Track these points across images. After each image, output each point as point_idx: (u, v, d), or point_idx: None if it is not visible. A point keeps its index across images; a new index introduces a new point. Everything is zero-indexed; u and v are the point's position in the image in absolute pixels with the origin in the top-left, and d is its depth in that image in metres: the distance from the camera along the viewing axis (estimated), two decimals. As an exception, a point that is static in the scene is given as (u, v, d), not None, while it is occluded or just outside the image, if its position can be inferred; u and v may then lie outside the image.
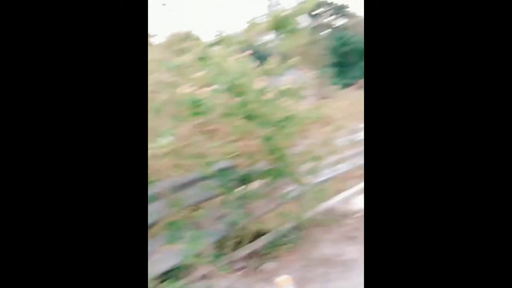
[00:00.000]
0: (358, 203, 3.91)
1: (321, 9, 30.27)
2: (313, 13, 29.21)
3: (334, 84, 17.65)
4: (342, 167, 4.64)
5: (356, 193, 4.26)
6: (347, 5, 31.33)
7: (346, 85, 19.72)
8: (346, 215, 3.65)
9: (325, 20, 31.40)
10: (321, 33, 29.96)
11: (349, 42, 29.21)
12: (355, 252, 2.89)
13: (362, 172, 2.74)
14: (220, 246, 2.78)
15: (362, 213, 2.78)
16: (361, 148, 4.43)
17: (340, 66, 27.52)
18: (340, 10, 31.25)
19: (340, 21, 31.47)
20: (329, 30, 30.72)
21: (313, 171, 3.48)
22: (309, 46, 29.15)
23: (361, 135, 4.68)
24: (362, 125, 2.78)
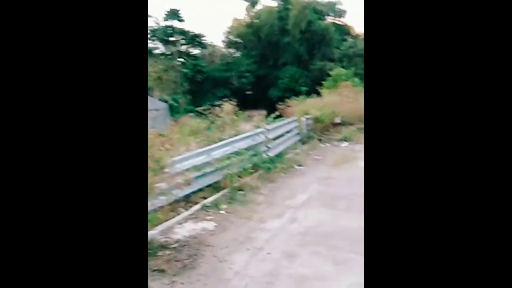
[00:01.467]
0: (179, 232, 3.96)
1: (176, 37, 33.53)
2: (168, 40, 33.01)
3: (187, 111, 20.79)
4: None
5: (178, 222, 4.20)
6: (203, 34, 34.85)
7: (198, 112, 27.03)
8: (164, 245, 3.64)
9: (181, 48, 34.52)
10: (175, 61, 33.90)
11: (203, 71, 34.30)
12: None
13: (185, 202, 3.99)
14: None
15: (180, 244, 3.61)
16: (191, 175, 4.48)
17: (193, 93, 31.75)
18: (195, 39, 34.91)
19: (195, 50, 35.16)
20: (184, 58, 34.41)
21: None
22: (163, 73, 37.90)
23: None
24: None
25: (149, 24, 34.96)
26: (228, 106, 7.67)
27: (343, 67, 35.77)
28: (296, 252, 3.63)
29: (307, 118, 10.43)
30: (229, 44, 39.03)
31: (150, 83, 36.39)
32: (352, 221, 4.36)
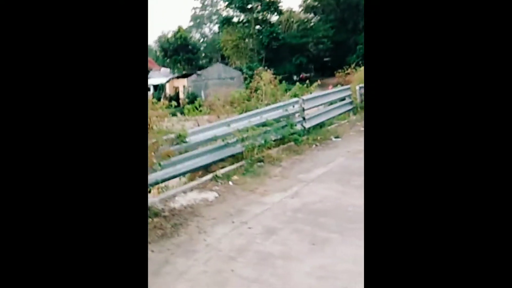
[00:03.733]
0: (178, 201, 3.94)
1: (253, 4, 33.21)
2: (245, 7, 33.07)
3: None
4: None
5: (182, 191, 4.19)
6: (279, 0, 33.82)
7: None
8: (157, 213, 3.66)
9: (258, 15, 34.10)
10: (252, 29, 33.69)
11: (279, 38, 33.51)
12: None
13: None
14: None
15: (172, 212, 3.62)
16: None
17: (269, 61, 31.27)
18: (271, 5, 34.23)
19: (272, 16, 34.68)
20: (260, 25, 33.90)
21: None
22: (240, 41, 37.44)
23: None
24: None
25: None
26: (266, 74, 7.49)
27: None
28: (278, 228, 3.54)
29: (361, 87, 9.80)
30: (307, 9, 37.78)
31: (227, 52, 37.61)
32: (356, 199, 4.09)
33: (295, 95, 7.67)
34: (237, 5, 33.85)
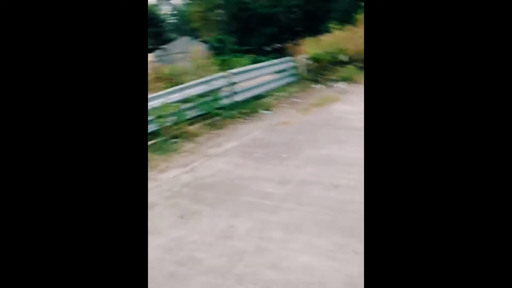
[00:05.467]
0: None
1: None
2: None
3: (235, 50, 18.62)
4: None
5: None
6: None
7: (247, 51, 21.71)
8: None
9: None
10: None
11: (249, 8, 30.24)
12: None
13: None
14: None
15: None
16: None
17: (239, 32, 29.20)
18: None
19: None
20: None
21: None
22: (209, 12, 36.93)
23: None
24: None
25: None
26: (196, 49, 7.41)
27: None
28: (156, 204, 3.62)
29: (306, 58, 9.78)
30: (277, -23, 36.73)
31: (196, 24, 36.53)
32: (248, 171, 4.21)
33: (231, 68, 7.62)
34: (203, -26, 32.64)
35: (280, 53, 9.91)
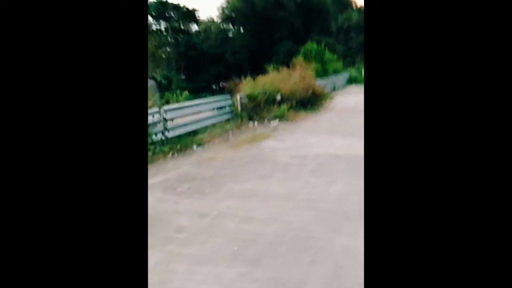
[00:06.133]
0: None
1: (169, 13, 32.58)
2: (161, 16, 32.18)
3: (182, 87, 18.85)
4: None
5: None
6: (196, 9, 34.74)
7: (194, 89, 23.64)
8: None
9: (174, 24, 33.48)
10: (169, 38, 33.04)
11: (197, 47, 33.21)
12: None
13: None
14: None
15: None
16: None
17: (188, 70, 31.10)
18: (189, 14, 33.89)
19: (189, 26, 34.31)
20: (177, 34, 33.38)
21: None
22: (157, 50, 37.29)
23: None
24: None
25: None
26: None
27: (338, 41, 34.96)
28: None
29: (241, 97, 10.12)
30: (224, 19, 38.23)
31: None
32: (171, 205, 4.24)
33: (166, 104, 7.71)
34: (153, 13, 33.13)
35: (226, 91, 10.20)
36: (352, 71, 25.10)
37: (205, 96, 10.07)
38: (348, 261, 2.91)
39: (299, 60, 14.59)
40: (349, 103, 12.86)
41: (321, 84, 14.20)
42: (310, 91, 11.72)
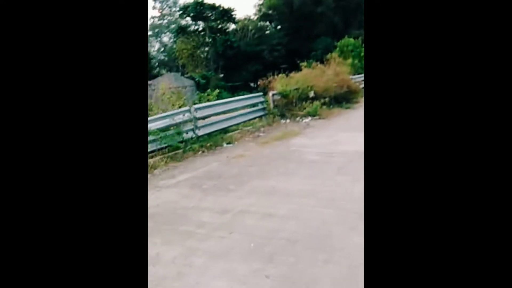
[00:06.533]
0: None
1: (207, 13, 33.20)
2: (199, 16, 32.93)
3: (218, 86, 18.58)
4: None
5: None
6: (233, 8, 33.96)
7: (232, 87, 24.62)
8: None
9: (212, 24, 33.95)
10: (207, 37, 33.61)
11: (234, 46, 33.52)
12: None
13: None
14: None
15: None
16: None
17: (225, 69, 31.61)
18: (225, 14, 34.48)
19: (226, 25, 34.80)
20: (215, 33, 33.84)
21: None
22: (195, 50, 37.92)
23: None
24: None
25: (179, 2, 35.01)
26: (163, 84, 7.69)
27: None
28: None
29: (274, 94, 10.14)
30: (261, 17, 38.22)
31: (183, 61, 37.42)
32: (196, 201, 4.38)
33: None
34: (191, 14, 33.72)
35: (260, 88, 10.26)
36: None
37: (242, 94, 10.18)
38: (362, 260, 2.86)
39: (333, 56, 14.29)
40: (385, 99, 12.39)
41: (357, 80, 13.87)
42: (345, 88, 11.49)
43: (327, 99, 10.40)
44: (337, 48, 17.33)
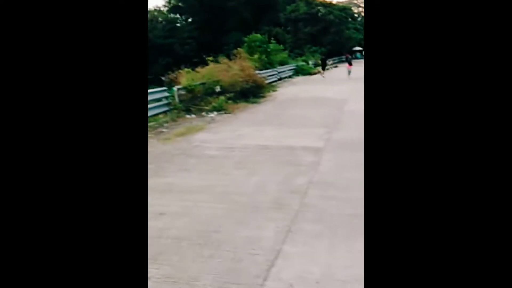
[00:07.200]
0: None
1: None
2: None
3: None
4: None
5: None
6: None
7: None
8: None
9: None
10: None
11: None
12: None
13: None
14: None
15: None
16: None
17: None
18: None
19: None
20: None
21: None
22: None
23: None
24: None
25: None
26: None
27: (288, 32, 35.20)
28: None
29: (179, 88, 9.88)
30: (171, 9, 37.31)
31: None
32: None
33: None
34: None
35: (166, 83, 9.90)
36: (300, 62, 25.36)
37: (152, 88, 9.83)
38: (246, 253, 2.90)
39: (240, 51, 14.45)
40: (291, 93, 13.00)
41: (264, 75, 14.21)
42: (251, 82, 11.68)
43: (233, 94, 10.46)
44: (245, 44, 17.51)
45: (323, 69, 22.20)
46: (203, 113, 9.50)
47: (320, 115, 8.88)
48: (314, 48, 32.77)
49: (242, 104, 10.73)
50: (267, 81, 13.72)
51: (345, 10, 40.68)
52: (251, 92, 11.68)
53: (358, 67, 28.87)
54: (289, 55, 25.27)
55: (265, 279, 2.55)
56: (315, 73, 22.69)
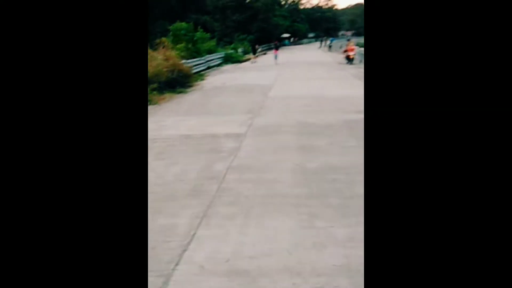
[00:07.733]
0: None
1: None
2: None
3: None
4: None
5: None
6: None
7: None
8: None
9: None
10: None
11: None
12: None
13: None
14: None
15: None
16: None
17: None
18: None
19: None
20: None
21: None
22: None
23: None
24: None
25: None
26: None
27: (216, 20, 34.88)
28: None
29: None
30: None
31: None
32: None
33: None
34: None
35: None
36: (229, 50, 25.35)
37: None
38: (160, 240, 2.98)
39: (164, 40, 14.12)
40: (218, 82, 13.00)
41: (191, 64, 14.04)
42: (176, 72, 11.50)
43: (157, 85, 10.25)
44: (171, 33, 17.12)
45: (254, 53, 24.18)
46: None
47: (245, 102, 9.03)
48: (242, 36, 32.85)
49: (168, 95, 10.56)
50: (195, 70, 13.57)
51: (271, -3, 41.14)
52: (178, 82, 11.52)
53: (285, 53, 29.71)
54: (218, 44, 25.16)
55: (177, 264, 2.61)
56: (244, 61, 22.90)
